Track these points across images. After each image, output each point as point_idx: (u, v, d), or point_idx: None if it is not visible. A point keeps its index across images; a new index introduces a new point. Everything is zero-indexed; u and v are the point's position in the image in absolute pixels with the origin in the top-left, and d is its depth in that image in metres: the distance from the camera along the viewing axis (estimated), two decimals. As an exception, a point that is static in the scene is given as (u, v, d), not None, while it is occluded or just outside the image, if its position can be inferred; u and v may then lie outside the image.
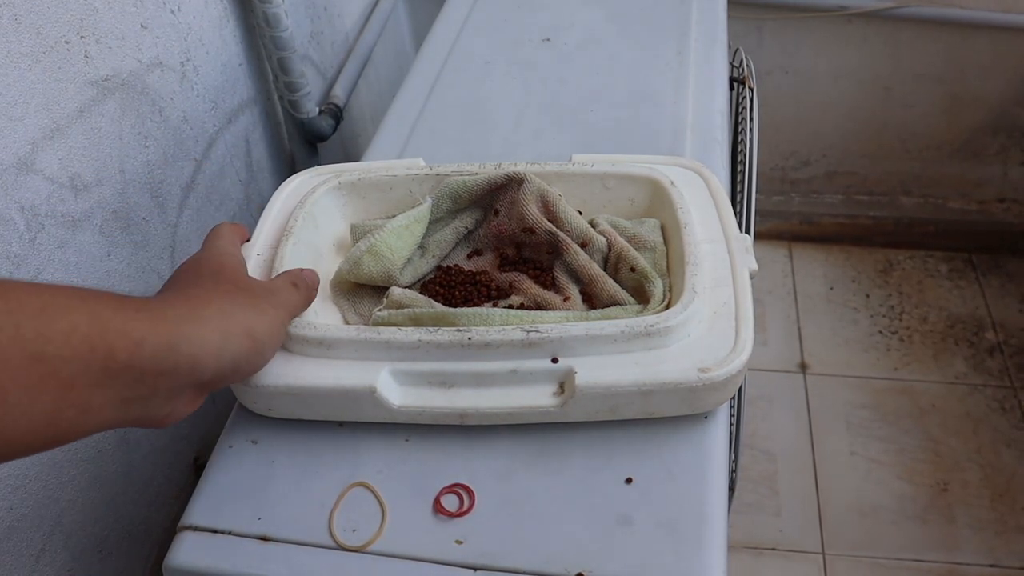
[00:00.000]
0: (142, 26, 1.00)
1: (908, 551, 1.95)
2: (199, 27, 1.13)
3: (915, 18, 2.21)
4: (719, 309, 0.82)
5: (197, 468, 1.25)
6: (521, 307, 0.88)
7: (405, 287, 0.91)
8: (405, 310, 0.83)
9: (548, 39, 1.40)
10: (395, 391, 0.80)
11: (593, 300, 0.89)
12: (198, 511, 0.78)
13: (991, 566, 1.92)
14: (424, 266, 0.94)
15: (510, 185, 0.94)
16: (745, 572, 1.93)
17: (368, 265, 0.89)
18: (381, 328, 0.81)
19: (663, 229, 0.95)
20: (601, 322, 0.80)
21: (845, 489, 2.12)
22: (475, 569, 0.72)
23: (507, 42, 1.41)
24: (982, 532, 2.03)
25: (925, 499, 2.08)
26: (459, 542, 0.73)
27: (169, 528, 1.20)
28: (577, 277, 0.90)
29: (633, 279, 0.89)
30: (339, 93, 1.58)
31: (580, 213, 0.95)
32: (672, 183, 0.95)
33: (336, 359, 0.81)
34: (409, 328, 0.80)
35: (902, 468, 2.14)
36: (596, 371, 0.78)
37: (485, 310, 0.82)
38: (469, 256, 0.97)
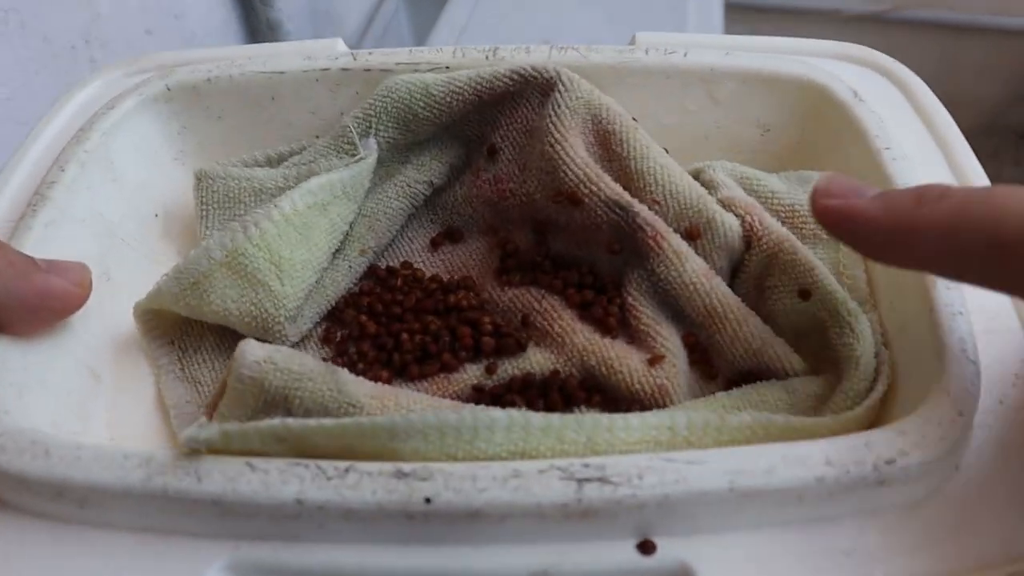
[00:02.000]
0: (147, 32, 0.99)
1: None
2: (203, 32, 1.11)
3: (909, 21, 2.20)
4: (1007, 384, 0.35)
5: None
6: (553, 379, 0.38)
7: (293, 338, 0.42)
8: (269, 423, 0.32)
9: (547, 40, 0.93)
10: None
11: (712, 358, 0.39)
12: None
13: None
14: (343, 276, 0.43)
15: (523, 94, 0.43)
16: None
17: (221, 295, 0.39)
18: (203, 459, 0.33)
19: None
20: (760, 451, 0.31)
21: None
22: None
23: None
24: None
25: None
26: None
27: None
28: (677, 308, 0.40)
29: (801, 312, 0.39)
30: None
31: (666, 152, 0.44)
32: (855, 94, 0.44)
33: (101, 528, 0.33)
34: (279, 464, 0.32)
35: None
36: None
37: (472, 413, 0.32)
38: (435, 242, 0.46)
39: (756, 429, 0.33)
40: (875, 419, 0.35)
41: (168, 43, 1.11)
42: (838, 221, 0.34)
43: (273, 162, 0.46)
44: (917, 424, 0.32)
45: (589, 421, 0.32)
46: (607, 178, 0.40)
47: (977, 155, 0.47)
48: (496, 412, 0.32)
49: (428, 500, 0.31)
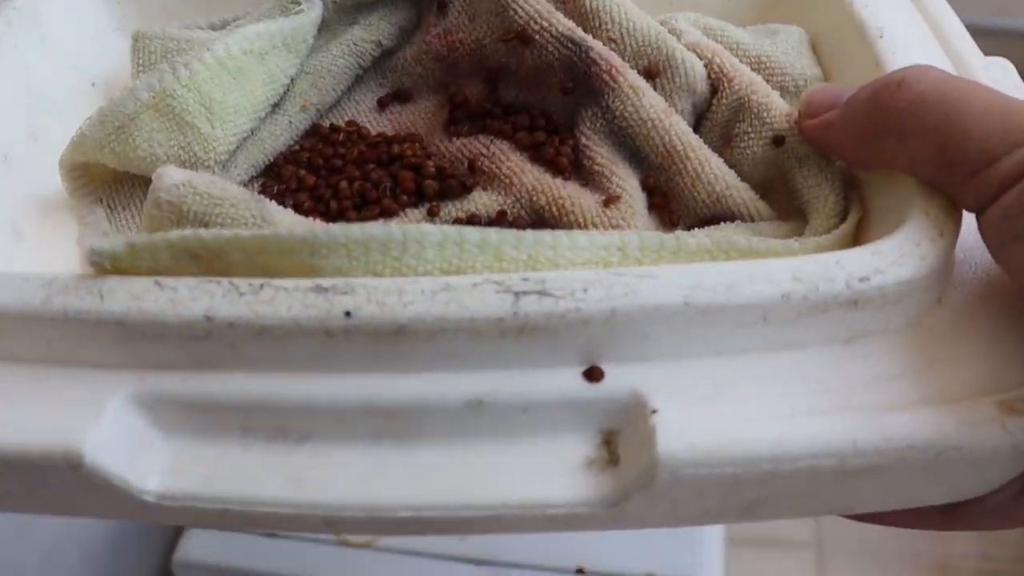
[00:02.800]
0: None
1: (901, 543, 1.86)
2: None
3: None
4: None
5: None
6: (500, 220, 0.35)
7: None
8: (180, 234, 0.28)
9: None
10: (148, 456, 0.28)
11: (672, 203, 0.35)
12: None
13: (983, 558, 1.86)
14: (282, 130, 0.39)
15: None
16: (742, 565, 1.81)
17: (148, 139, 0.35)
18: (109, 279, 0.29)
19: (816, 52, 0.40)
20: (720, 267, 0.28)
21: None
22: (477, 563, 0.69)
23: None
24: (974, 525, 1.89)
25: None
26: (462, 537, 0.64)
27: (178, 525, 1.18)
28: (635, 149, 0.36)
29: (770, 162, 0.35)
30: None
31: None
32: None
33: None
34: (190, 281, 0.28)
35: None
36: (709, 409, 0.27)
37: (401, 227, 0.28)
38: (382, 103, 0.42)
39: (716, 253, 0.29)
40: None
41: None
42: (816, 140, 0.33)
43: (216, 28, 0.42)
44: (894, 244, 0.28)
45: (530, 238, 0.28)
46: (559, 14, 0.36)
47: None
48: (428, 227, 0.28)
49: (348, 314, 0.27)
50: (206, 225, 0.31)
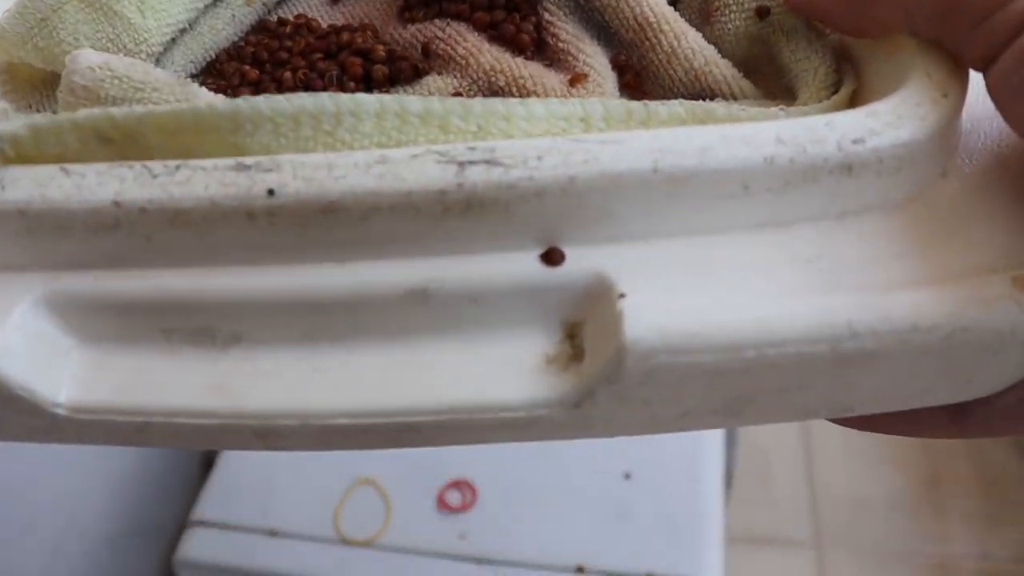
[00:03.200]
0: None
1: (900, 542, 1.93)
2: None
3: None
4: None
5: (206, 464, 1.23)
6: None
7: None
8: (87, 113, 0.25)
9: None
10: (60, 365, 0.25)
11: (645, 83, 0.31)
12: (208, 507, 0.80)
13: (982, 557, 1.91)
14: (224, 24, 0.35)
15: None
16: (740, 563, 1.84)
17: (74, 31, 0.31)
18: (11, 168, 0.24)
19: None
20: (693, 130, 0.24)
21: (838, 481, 2.02)
22: (478, 562, 0.68)
23: None
24: (974, 524, 1.96)
25: (917, 491, 2.01)
26: (461, 536, 0.69)
27: (180, 524, 1.18)
28: (603, 24, 0.32)
29: (754, 37, 0.31)
30: None
31: None
32: None
33: None
34: (99, 166, 0.24)
35: (895, 461, 2.06)
36: (684, 293, 0.23)
37: (333, 96, 0.24)
38: None
39: (690, 122, 0.25)
40: None
41: None
42: (803, 7, 0.29)
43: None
44: (891, 105, 0.24)
45: (480, 107, 0.24)
46: None
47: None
48: (364, 96, 0.24)
49: (271, 192, 0.23)
50: (111, 98, 0.28)
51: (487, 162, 0.23)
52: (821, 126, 0.24)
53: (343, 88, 0.31)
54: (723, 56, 0.31)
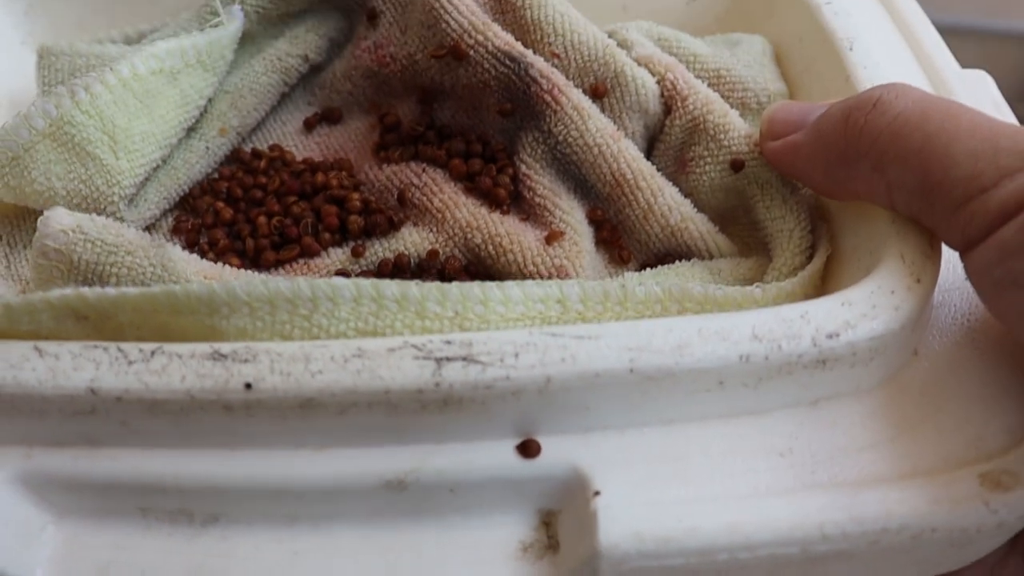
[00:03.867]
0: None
1: None
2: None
3: None
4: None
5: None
6: (431, 260, 0.31)
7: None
8: (61, 294, 0.24)
9: None
10: (35, 544, 0.24)
11: (622, 237, 0.32)
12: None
13: None
14: (198, 158, 0.35)
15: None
16: None
17: (45, 171, 0.30)
18: None
19: (780, 63, 0.36)
20: (668, 324, 0.24)
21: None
22: None
23: None
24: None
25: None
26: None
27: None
28: (580, 178, 0.32)
29: (729, 188, 0.31)
30: None
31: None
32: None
33: None
34: (73, 346, 0.24)
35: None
36: (659, 489, 0.23)
37: (309, 281, 0.24)
38: (309, 124, 0.37)
39: (667, 303, 0.25)
40: (815, 295, 0.27)
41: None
42: (781, 164, 0.29)
43: (131, 40, 0.37)
44: (865, 293, 0.25)
45: (457, 292, 0.24)
46: (496, 27, 0.32)
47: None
48: (340, 280, 0.24)
49: (249, 386, 0.23)
50: (100, 276, 0.27)
51: (464, 359, 0.23)
52: (796, 318, 0.24)
53: (318, 237, 0.31)
54: (699, 205, 0.31)
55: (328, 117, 0.37)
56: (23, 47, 0.39)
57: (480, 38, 0.32)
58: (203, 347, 0.24)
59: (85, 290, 0.24)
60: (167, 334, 0.25)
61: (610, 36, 0.34)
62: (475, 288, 0.25)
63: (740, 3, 0.39)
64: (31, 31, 0.40)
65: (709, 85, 0.33)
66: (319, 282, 0.24)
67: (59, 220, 0.28)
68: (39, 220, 0.28)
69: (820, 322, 0.24)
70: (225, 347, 0.24)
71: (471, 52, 0.32)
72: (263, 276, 0.27)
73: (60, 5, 0.39)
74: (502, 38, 0.32)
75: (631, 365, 0.23)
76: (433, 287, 0.24)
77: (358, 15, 0.37)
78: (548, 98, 0.31)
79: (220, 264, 0.29)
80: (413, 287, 0.24)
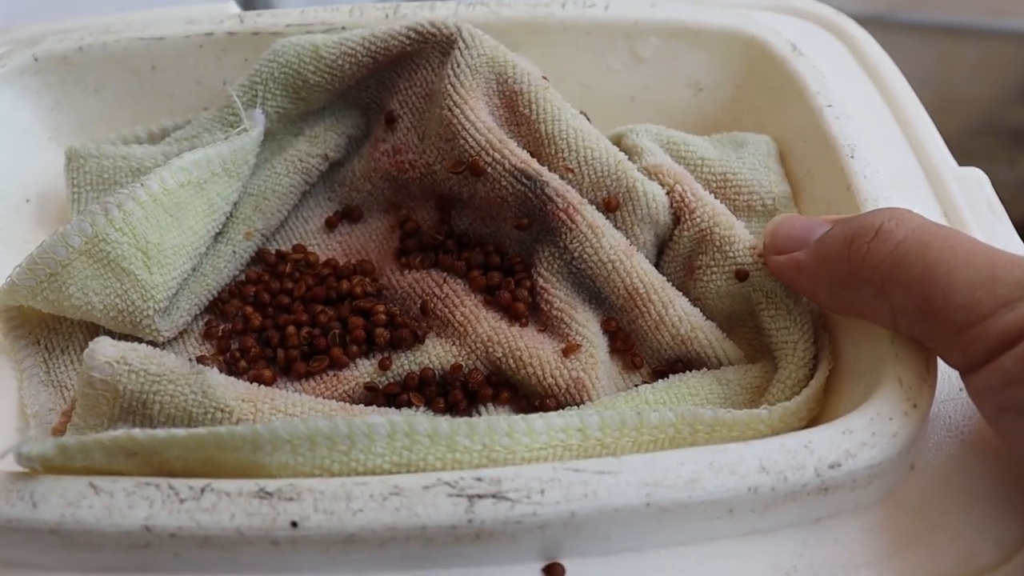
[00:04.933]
0: None
1: None
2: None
3: (905, 24, 2.01)
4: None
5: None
6: (454, 373, 0.32)
7: (169, 332, 0.34)
8: (112, 436, 0.26)
9: None
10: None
11: (636, 346, 0.33)
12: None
13: None
14: (226, 263, 0.36)
15: (422, 54, 0.37)
16: None
17: (83, 287, 0.32)
18: (41, 481, 0.26)
19: (784, 161, 0.38)
20: (681, 457, 0.25)
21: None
22: None
23: None
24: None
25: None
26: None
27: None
28: (595, 290, 0.34)
29: (735, 295, 0.33)
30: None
31: (587, 119, 0.37)
32: (794, 47, 0.38)
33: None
34: (127, 484, 0.26)
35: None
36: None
37: (347, 420, 0.26)
38: (331, 223, 0.39)
39: (680, 427, 0.27)
40: (818, 410, 0.30)
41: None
42: (786, 277, 0.31)
43: (155, 138, 0.39)
44: (865, 420, 0.27)
45: (484, 425, 0.26)
46: (512, 144, 0.34)
47: (972, 157, 0.41)
48: (375, 418, 0.26)
49: (295, 524, 0.25)
50: (143, 404, 0.29)
51: (494, 495, 0.25)
52: (800, 448, 0.26)
53: (346, 349, 0.33)
54: (707, 309, 0.33)
55: (349, 216, 0.39)
56: (50, 142, 0.41)
57: (497, 156, 0.34)
58: (250, 485, 0.26)
59: (136, 432, 0.26)
60: (213, 466, 0.27)
61: (619, 140, 0.36)
62: (501, 421, 0.27)
63: (746, 97, 0.41)
64: (57, 126, 0.41)
65: (716, 188, 0.35)
66: (356, 421, 0.26)
67: (104, 352, 0.30)
68: (85, 353, 0.30)
69: (823, 452, 0.26)
70: (271, 485, 0.26)
71: (488, 169, 0.34)
72: (304, 416, 0.29)
73: (86, 100, 0.41)
74: (518, 156, 0.34)
75: (648, 500, 0.25)
76: (462, 422, 0.26)
77: (375, 113, 0.38)
78: (564, 216, 0.33)
79: (256, 385, 0.31)
80: (443, 423, 0.26)
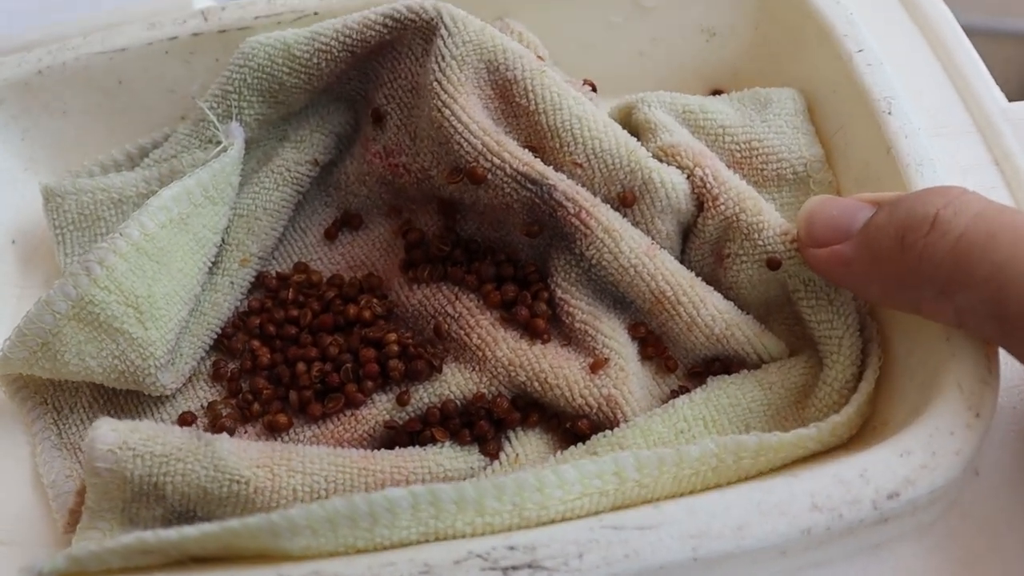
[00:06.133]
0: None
1: None
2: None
3: None
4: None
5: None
6: (477, 403, 0.30)
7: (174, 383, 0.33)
8: (123, 542, 0.24)
9: None
10: None
11: (668, 348, 0.31)
12: None
13: None
14: (225, 296, 0.34)
15: (402, 42, 0.34)
16: None
17: (78, 352, 0.31)
18: None
19: (812, 115, 0.35)
20: (727, 500, 0.23)
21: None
22: None
23: None
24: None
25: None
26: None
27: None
28: (618, 295, 0.31)
29: (769, 282, 0.30)
30: None
31: (594, 90, 0.35)
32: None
33: None
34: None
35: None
36: None
37: (367, 497, 0.24)
38: (330, 233, 0.37)
39: (723, 456, 0.26)
40: (869, 412, 0.28)
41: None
42: (829, 274, 0.28)
43: (134, 158, 0.37)
44: (924, 438, 0.25)
45: (512, 484, 0.25)
46: (512, 145, 0.31)
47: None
48: (395, 492, 0.25)
49: (322, 620, 0.24)
50: (155, 486, 0.28)
51: (530, 566, 0.23)
52: (855, 478, 0.24)
53: (360, 386, 0.31)
54: (740, 298, 0.31)
55: (348, 223, 0.37)
56: (27, 174, 0.39)
57: (496, 160, 0.31)
58: (270, 573, 0.24)
59: (147, 535, 0.25)
60: (235, 554, 0.25)
61: (630, 115, 0.33)
62: (530, 477, 0.25)
63: (765, 41, 0.37)
64: (31, 156, 0.39)
65: (741, 159, 0.32)
66: (375, 496, 0.25)
67: (104, 440, 0.28)
68: (85, 443, 0.29)
69: (879, 481, 0.24)
70: (294, 573, 0.24)
71: (488, 175, 0.31)
72: (320, 463, 0.27)
73: (55, 125, 0.38)
74: (520, 158, 0.31)
75: (694, 554, 0.23)
76: (488, 484, 0.25)
77: (362, 106, 0.35)
78: (576, 221, 0.30)
79: (269, 442, 0.29)
80: (468, 487, 0.25)
